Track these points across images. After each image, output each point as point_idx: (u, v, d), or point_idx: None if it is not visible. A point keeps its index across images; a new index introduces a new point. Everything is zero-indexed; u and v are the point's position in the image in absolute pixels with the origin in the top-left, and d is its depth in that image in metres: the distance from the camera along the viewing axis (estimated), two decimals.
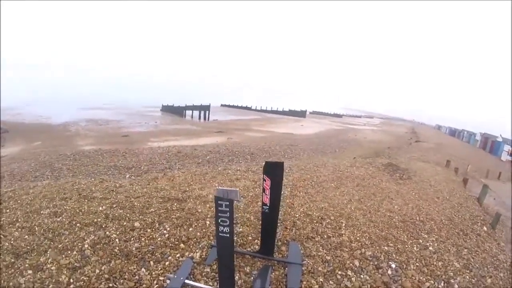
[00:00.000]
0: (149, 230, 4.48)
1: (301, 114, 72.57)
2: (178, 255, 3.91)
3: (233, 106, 76.13)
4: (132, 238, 4.23)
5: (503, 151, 49.99)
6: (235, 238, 4.26)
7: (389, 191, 8.73)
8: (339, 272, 4.04)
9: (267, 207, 3.76)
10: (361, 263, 4.39)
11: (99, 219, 4.76)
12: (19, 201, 5.54)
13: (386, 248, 5.06)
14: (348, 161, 13.39)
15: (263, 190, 3.69)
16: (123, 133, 24.31)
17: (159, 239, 4.24)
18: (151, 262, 3.73)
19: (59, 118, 32.38)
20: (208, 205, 5.63)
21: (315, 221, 5.56)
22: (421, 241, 5.73)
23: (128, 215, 4.99)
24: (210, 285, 3.45)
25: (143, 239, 4.23)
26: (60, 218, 4.78)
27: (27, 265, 3.57)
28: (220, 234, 2.80)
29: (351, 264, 4.28)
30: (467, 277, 4.87)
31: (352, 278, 3.99)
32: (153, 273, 3.58)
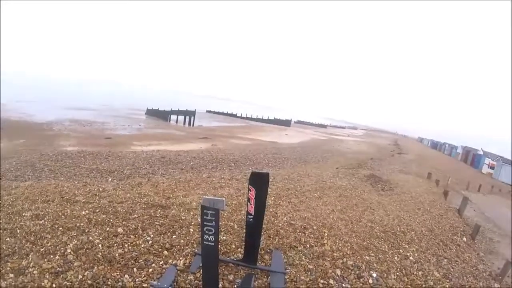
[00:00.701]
0: (132, 236, 4.44)
1: (286, 123, 73.03)
2: (161, 262, 3.88)
3: (218, 113, 76.03)
4: (115, 244, 4.18)
5: (484, 164, 51.33)
6: (219, 246, 4.28)
7: (371, 202, 8.88)
8: (321, 281, 4.09)
9: (252, 217, 3.79)
10: (342, 272, 4.46)
11: (82, 224, 4.70)
12: (0, 202, 5.42)
13: (367, 257, 5.15)
14: (331, 171, 13.56)
15: (248, 200, 3.73)
16: (106, 135, 23.93)
17: (142, 246, 4.20)
18: (135, 269, 3.70)
19: (43, 116, 31.71)
20: (192, 213, 5.62)
21: (298, 231, 5.61)
22: (401, 251, 5.86)
23: (111, 220, 4.94)
24: None
25: (126, 245, 4.19)
26: (42, 221, 4.70)
27: (8, 268, 3.49)
28: (205, 242, 2.82)
29: (333, 273, 4.34)
30: (447, 286, 5.02)
31: (334, 287, 4.04)
32: (137, 280, 3.55)
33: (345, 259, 4.85)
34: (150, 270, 3.72)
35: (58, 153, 13.13)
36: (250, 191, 3.70)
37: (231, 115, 75.45)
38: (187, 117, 48.26)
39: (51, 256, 3.78)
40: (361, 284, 4.28)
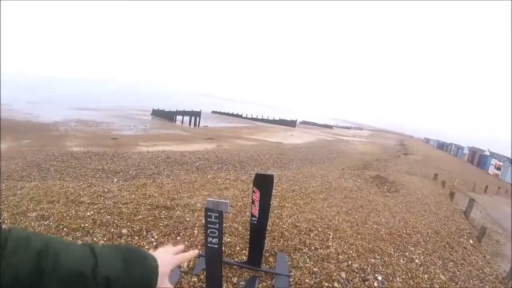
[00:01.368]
0: (136, 238, 4.44)
1: (291, 123, 73.03)
2: None
3: (224, 113, 76.31)
4: None
5: (490, 164, 50.96)
6: (223, 248, 4.26)
7: (377, 204, 8.83)
8: (326, 284, 4.05)
9: (256, 219, 3.77)
10: (347, 275, 4.42)
11: (86, 225, 4.71)
12: (6, 202, 5.45)
13: (372, 260, 5.10)
14: (337, 173, 13.50)
15: (252, 202, 3.71)
16: (112, 135, 24.10)
17: (146, 247, 4.19)
18: None
19: (49, 117, 32.04)
20: (196, 214, 5.61)
21: (303, 233, 5.58)
22: (407, 253, 5.80)
23: (115, 221, 4.94)
24: None
25: None
26: (47, 221, 4.71)
27: None
28: (209, 245, 2.80)
29: (337, 276, 4.30)
30: None
31: None
32: None
33: (350, 262, 4.81)
34: None
35: (64, 154, 13.23)
36: (254, 192, 3.68)
37: (237, 115, 75.67)
38: (193, 118, 48.48)
39: None
40: (366, 287, 4.25)
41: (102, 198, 6.06)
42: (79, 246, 0.83)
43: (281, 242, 5.04)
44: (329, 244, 5.31)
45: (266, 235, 4.53)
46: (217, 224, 2.77)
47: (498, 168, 48.45)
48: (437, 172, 19.55)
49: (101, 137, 22.64)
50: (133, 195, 6.40)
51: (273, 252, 4.60)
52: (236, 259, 4.18)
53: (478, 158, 58.22)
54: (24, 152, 14.11)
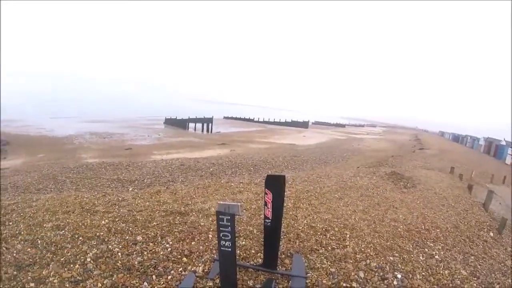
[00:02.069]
0: (151, 244, 4.46)
1: (304, 124, 72.82)
2: (180, 269, 3.87)
3: (236, 118, 76.58)
4: (135, 252, 4.20)
5: (507, 154, 49.86)
6: (238, 251, 4.23)
7: (394, 200, 8.69)
8: (344, 284, 3.99)
9: (269, 221, 3.73)
10: (366, 274, 4.34)
11: (101, 233, 4.75)
12: (22, 214, 5.53)
13: (391, 258, 5.01)
14: (352, 171, 13.36)
15: (265, 204, 3.67)
16: (126, 146, 24.39)
17: (161, 253, 4.21)
18: (154, 276, 3.70)
19: (63, 130, 32.62)
20: (210, 219, 5.60)
21: (319, 233, 5.52)
22: (426, 250, 5.69)
23: (130, 229, 4.97)
24: None
25: (145, 253, 4.20)
26: (63, 231, 4.77)
27: (29, 277, 3.54)
28: (222, 248, 2.78)
29: (356, 276, 4.24)
30: (475, 284, 4.83)
31: None
32: (156, 287, 3.54)
33: (368, 261, 4.73)
34: (169, 277, 3.70)
35: (79, 166, 13.41)
36: (267, 194, 3.65)
37: (248, 120, 75.82)
38: (205, 124, 48.81)
39: (71, 265, 3.83)
40: (385, 286, 4.16)
41: (117, 206, 6.11)
42: None
43: (297, 243, 4.99)
44: (346, 244, 5.24)
45: (282, 236, 4.50)
46: (229, 227, 2.75)
47: None
48: (453, 165, 19.19)
49: (115, 148, 22.93)
50: (147, 203, 6.43)
51: (289, 254, 4.55)
52: (252, 262, 4.15)
53: (495, 149, 56.91)
54: (40, 166, 14.35)
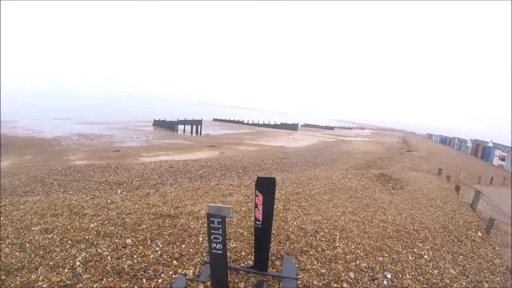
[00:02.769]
0: (141, 247, 4.40)
1: (293, 127, 73.00)
2: (171, 272, 3.83)
3: (225, 120, 76.30)
4: (124, 255, 4.14)
5: (494, 156, 51.02)
6: (228, 253, 4.20)
7: (382, 202, 8.77)
8: (335, 285, 4.02)
9: (260, 223, 3.72)
10: (356, 275, 4.39)
11: (90, 236, 4.68)
12: (9, 217, 5.42)
13: (381, 258, 5.07)
14: (341, 173, 13.43)
15: (256, 206, 3.66)
16: (114, 148, 24.09)
17: (151, 256, 4.16)
18: (144, 280, 3.65)
19: (51, 132, 32.05)
20: (200, 221, 5.57)
21: (309, 235, 5.55)
22: (416, 250, 5.77)
23: (119, 232, 4.91)
24: None
25: (135, 256, 4.15)
26: (51, 234, 4.69)
27: (18, 282, 3.47)
28: (213, 251, 2.77)
29: (346, 276, 4.27)
30: (464, 283, 4.92)
31: None
32: None
33: (358, 261, 4.78)
34: (160, 280, 3.67)
35: (67, 168, 13.23)
36: (257, 196, 3.64)
37: (238, 122, 75.66)
38: (194, 127, 48.56)
39: (60, 270, 3.77)
40: (375, 286, 4.20)
41: (106, 209, 6.04)
42: None
43: (287, 245, 5.00)
44: (336, 245, 5.28)
45: (272, 238, 4.49)
46: (220, 230, 2.74)
47: (503, 159, 48.50)
48: (441, 167, 19.45)
49: (103, 150, 22.65)
50: (136, 205, 6.37)
51: (279, 256, 4.56)
52: (242, 264, 4.14)
53: (482, 150, 58.16)
54: (27, 168, 14.10)
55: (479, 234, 7.82)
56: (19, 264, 3.82)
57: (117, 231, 4.94)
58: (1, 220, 5.30)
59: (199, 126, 48.55)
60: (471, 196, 11.90)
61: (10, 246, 4.28)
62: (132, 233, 4.88)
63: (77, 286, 3.51)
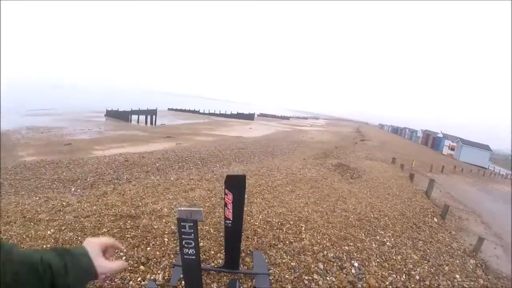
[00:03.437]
0: None
1: (249, 117, 73.07)
2: (139, 278, 3.61)
3: (181, 110, 74.82)
4: None
5: (444, 145, 54.70)
6: None
7: (342, 191, 9.00)
8: (306, 277, 4.06)
9: (230, 222, 3.62)
10: (325, 265, 4.46)
11: (48, 245, 4.33)
12: None
13: (346, 247, 5.20)
14: (300, 163, 13.62)
15: (225, 205, 3.55)
16: (66, 141, 22.76)
17: (122, 253, 3.96)
18: None
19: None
20: (164, 220, 5.37)
21: (275, 228, 5.55)
22: (378, 237, 5.98)
23: (79, 238, 4.59)
24: None
25: None
26: None
27: None
28: (185, 256, 2.64)
29: (316, 268, 4.33)
30: (426, 267, 5.18)
31: (319, 282, 4.03)
32: None
33: (325, 252, 4.87)
34: None
35: (17, 165, 12.35)
36: (227, 195, 3.52)
37: (194, 111, 74.47)
38: (149, 117, 47.10)
39: None
40: (344, 275, 4.30)
41: (62, 213, 5.64)
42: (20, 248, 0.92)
43: (255, 240, 4.97)
44: (303, 236, 5.33)
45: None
46: (192, 234, 2.62)
47: (452, 149, 52.28)
48: (394, 156, 20.34)
49: (54, 144, 21.30)
50: (94, 206, 6.02)
51: (248, 252, 4.51)
52: (213, 264, 4.04)
53: (432, 140, 61.98)
54: None
55: (435, 220, 8.24)
56: None
57: (76, 237, 4.61)
58: None
59: (154, 116, 47.07)
60: (425, 184, 12.54)
61: None
62: None
63: None
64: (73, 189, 8.63)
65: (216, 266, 3.96)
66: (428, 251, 5.95)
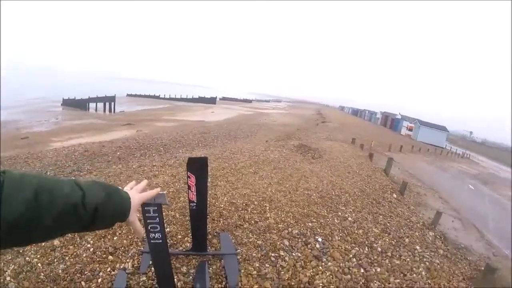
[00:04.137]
0: (71, 247, 4.03)
1: (211, 100, 72.33)
2: (109, 269, 3.59)
3: (140, 96, 72.51)
4: (56, 260, 3.76)
5: (402, 126, 57.16)
6: None
7: (304, 171, 9.23)
8: (273, 254, 4.21)
9: (195, 204, 3.67)
10: (290, 242, 4.64)
11: None
12: None
13: (310, 224, 5.41)
14: (262, 146, 13.75)
15: (189, 188, 3.59)
16: (22, 134, 21.65)
17: (84, 255, 3.85)
18: (83, 283, 3.37)
19: None
20: None
21: (240, 209, 5.66)
22: (340, 213, 6.25)
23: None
24: None
25: (67, 258, 3.79)
26: None
27: None
28: (152, 241, 2.68)
29: (281, 245, 4.49)
30: (387, 239, 5.51)
31: (285, 258, 4.20)
32: None
33: (290, 229, 5.05)
34: (100, 280, 3.42)
35: None
36: (190, 178, 3.57)
37: (154, 97, 72.46)
38: (107, 104, 45.31)
39: None
40: (309, 250, 4.49)
41: None
42: (67, 181, 0.93)
43: (221, 221, 5.05)
44: (267, 216, 5.48)
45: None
46: (157, 218, 2.65)
47: (410, 130, 54.76)
48: (354, 137, 20.99)
49: (10, 138, 20.10)
50: None
51: (215, 233, 4.59)
52: (181, 248, 4.09)
53: (391, 122, 64.49)
54: None
55: (395, 196, 8.71)
56: None
57: None
58: None
59: (113, 103, 45.17)
60: (383, 163, 13.11)
61: None
62: None
63: None
64: None
65: (184, 249, 4.02)
66: (388, 224, 6.33)
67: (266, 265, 3.98)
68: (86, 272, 3.54)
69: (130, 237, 4.30)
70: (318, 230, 5.23)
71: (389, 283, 4.25)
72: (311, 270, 4.07)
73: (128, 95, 72.33)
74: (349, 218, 6.06)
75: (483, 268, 5.50)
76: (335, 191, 7.65)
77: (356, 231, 5.53)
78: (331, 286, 3.83)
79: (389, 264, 4.78)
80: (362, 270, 4.38)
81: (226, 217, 5.22)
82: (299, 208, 6.08)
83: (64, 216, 0.84)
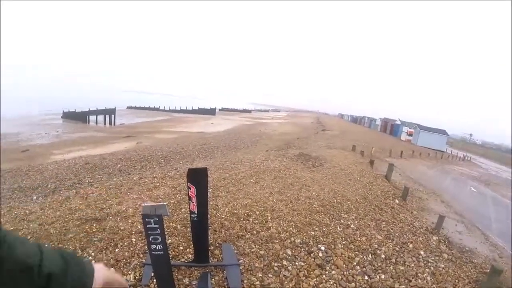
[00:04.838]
0: None
1: (211, 112, 72.49)
2: None
3: (140, 108, 72.71)
4: None
5: (402, 132, 57.35)
6: None
7: (305, 179, 9.22)
8: (275, 264, 4.20)
9: (196, 215, 3.67)
10: (293, 251, 4.62)
11: None
12: None
13: (312, 233, 5.39)
14: (262, 155, 13.77)
15: (189, 198, 3.59)
16: (22, 147, 21.67)
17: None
18: None
19: None
20: (130, 221, 5.30)
21: (242, 219, 5.64)
22: (342, 221, 6.23)
23: (46, 245, 4.45)
24: None
25: None
26: None
27: None
28: (153, 252, 2.67)
29: (284, 254, 4.48)
30: (391, 246, 5.49)
31: (288, 267, 4.18)
32: None
33: (292, 238, 5.03)
34: None
35: None
36: (190, 189, 3.57)
37: (153, 109, 72.69)
38: (107, 116, 45.44)
39: None
40: (313, 259, 4.48)
41: (26, 221, 5.43)
42: (29, 243, 0.89)
43: (223, 232, 5.03)
44: (269, 225, 5.46)
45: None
46: (158, 229, 2.64)
47: (410, 135, 54.95)
48: (354, 144, 20.99)
49: (10, 151, 20.10)
50: (58, 212, 5.84)
51: (217, 244, 4.58)
52: (183, 259, 4.07)
53: (390, 127, 64.62)
54: None
55: (397, 201, 8.69)
56: None
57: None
58: None
59: (113, 116, 45.34)
60: (384, 169, 13.09)
61: None
62: (59, 245, 4.45)
63: None
64: (34, 197, 8.34)
65: (186, 261, 4.00)
66: (391, 230, 6.31)
67: (269, 275, 3.96)
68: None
69: (131, 249, 4.28)
70: (321, 238, 5.22)
71: None
72: (315, 279, 4.05)
73: (128, 107, 72.54)
74: (352, 226, 6.04)
75: (488, 270, 5.46)
76: (336, 199, 7.63)
77: (359, 238, 5.52)
78: None
79: (394, 271, 4.76)
80: (366, 278, 4.36)
81: (228, 228, 5.20)
82: (301, 217, 6.05)
83: (15, 276, 0.80)
